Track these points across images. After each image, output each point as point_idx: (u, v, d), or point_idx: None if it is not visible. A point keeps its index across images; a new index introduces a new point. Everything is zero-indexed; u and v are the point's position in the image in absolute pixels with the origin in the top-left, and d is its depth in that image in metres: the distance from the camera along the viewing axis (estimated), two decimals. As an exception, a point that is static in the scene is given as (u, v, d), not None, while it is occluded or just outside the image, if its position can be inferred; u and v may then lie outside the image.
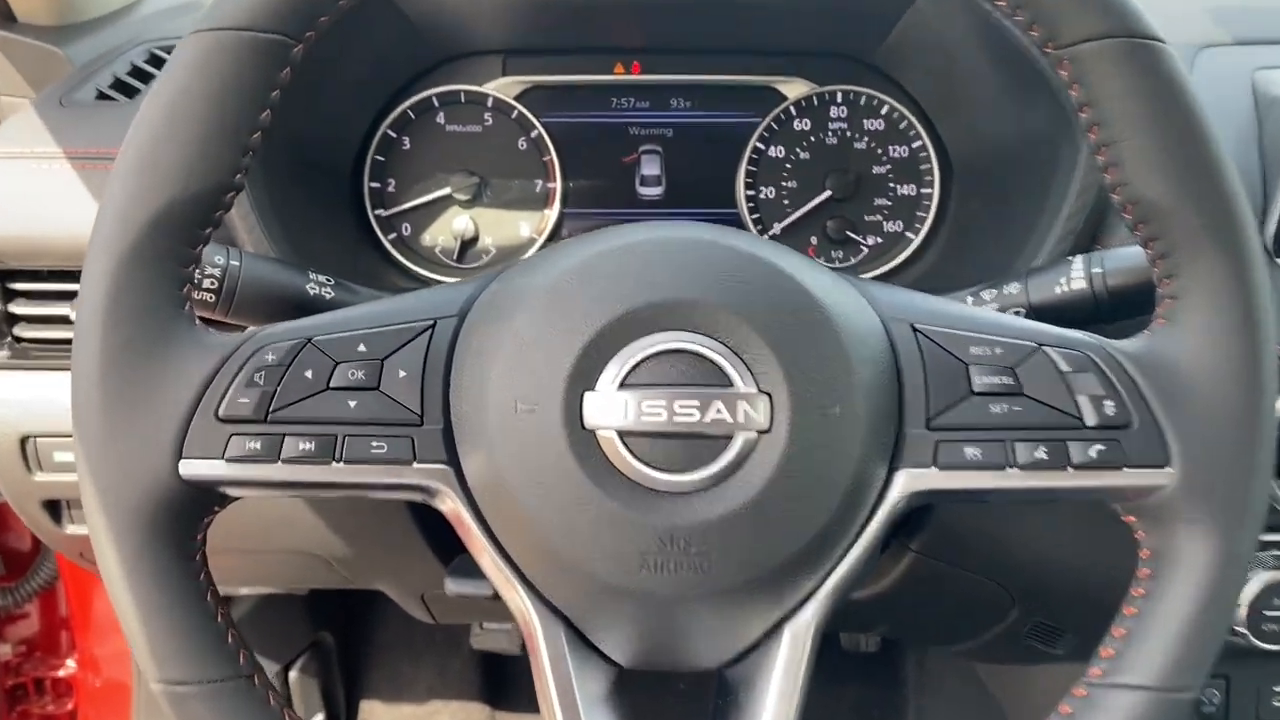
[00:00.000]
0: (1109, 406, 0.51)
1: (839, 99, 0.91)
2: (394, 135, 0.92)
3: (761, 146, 0.92)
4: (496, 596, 0.55)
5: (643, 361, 0.50)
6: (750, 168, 0.92)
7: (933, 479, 0.52)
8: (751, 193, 0.92)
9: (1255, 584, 0.78)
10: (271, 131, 0.52)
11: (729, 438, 0.50)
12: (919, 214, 0.92)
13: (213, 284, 0.65)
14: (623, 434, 0.49)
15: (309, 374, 0.51)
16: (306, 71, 0.53)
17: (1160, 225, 0.51)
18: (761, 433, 0.50)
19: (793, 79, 0.91)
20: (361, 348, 0.52)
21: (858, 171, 0.91)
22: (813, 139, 0.92)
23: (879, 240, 0.92)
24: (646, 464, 0.50)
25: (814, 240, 0.93)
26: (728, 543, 0.50)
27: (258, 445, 0.51)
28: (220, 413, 0.51)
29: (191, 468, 0.51)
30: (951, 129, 0.90)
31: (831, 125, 0.92)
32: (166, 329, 0.51)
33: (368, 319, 0.53)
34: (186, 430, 0.50)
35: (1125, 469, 0.51)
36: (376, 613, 1.49)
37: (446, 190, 0.91)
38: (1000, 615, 0.94)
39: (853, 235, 0.92)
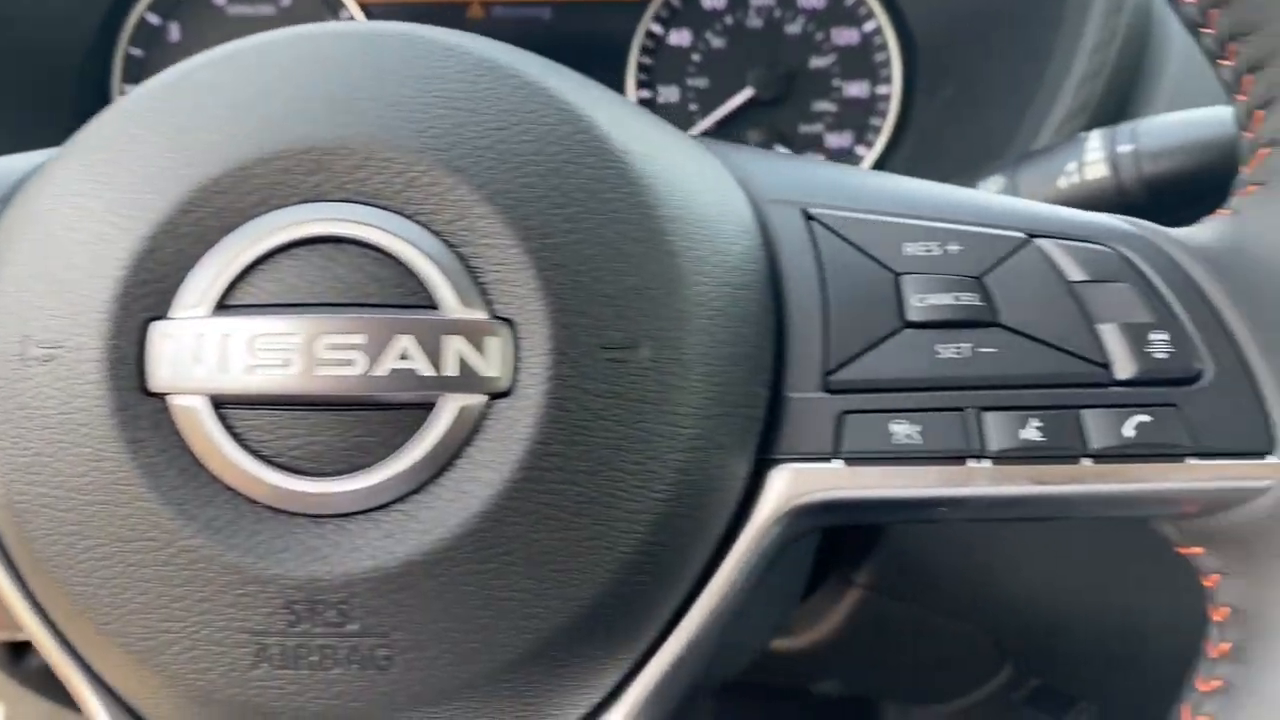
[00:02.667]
0: (1159, 344, 0.35)
1: (764, -35, 0.79)
2: (157, 21, 0.78)
3: (658, 32, 0.79)
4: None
5: (261, 261, 0.32)
6: (644, 60, 0.80)
7: (835, 480, 0.34)
8: (646, 94, 0.80)
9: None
10: None
11: (428, 407, 0.31)
12: (873, 121, 0.80)
13: None
14: (220, 401, 0.32)
15: None
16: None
17: (1269, 41, 0.35)
18: (495, 396, 0.32)
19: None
20: None
21: (789, 65, 0.79)
22: (728, 20, 0.80)
23: (820, 158, 0.80)
24: (266, 459, 0.31)
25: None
26: (433, 610, 0.31)
27: None
28: None
29: None
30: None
31: (754, 2, 0.79)
32: None
33: None
34: None
35: (1189, 460, 0.34)
36: None
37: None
38: (988, 672, 0.79)
39: (784, 150, 0.80)
